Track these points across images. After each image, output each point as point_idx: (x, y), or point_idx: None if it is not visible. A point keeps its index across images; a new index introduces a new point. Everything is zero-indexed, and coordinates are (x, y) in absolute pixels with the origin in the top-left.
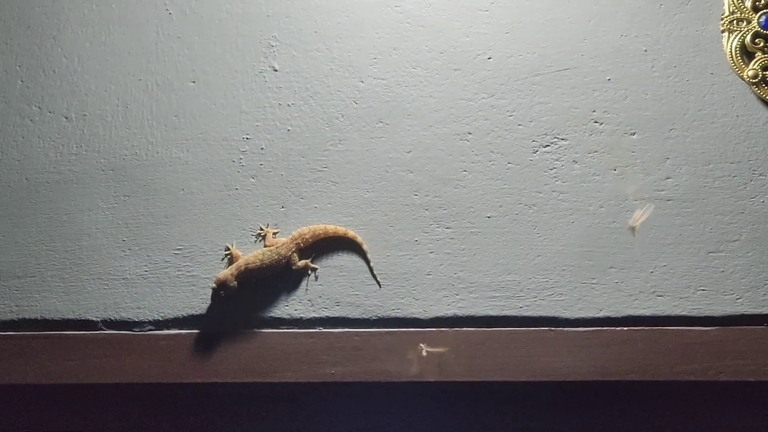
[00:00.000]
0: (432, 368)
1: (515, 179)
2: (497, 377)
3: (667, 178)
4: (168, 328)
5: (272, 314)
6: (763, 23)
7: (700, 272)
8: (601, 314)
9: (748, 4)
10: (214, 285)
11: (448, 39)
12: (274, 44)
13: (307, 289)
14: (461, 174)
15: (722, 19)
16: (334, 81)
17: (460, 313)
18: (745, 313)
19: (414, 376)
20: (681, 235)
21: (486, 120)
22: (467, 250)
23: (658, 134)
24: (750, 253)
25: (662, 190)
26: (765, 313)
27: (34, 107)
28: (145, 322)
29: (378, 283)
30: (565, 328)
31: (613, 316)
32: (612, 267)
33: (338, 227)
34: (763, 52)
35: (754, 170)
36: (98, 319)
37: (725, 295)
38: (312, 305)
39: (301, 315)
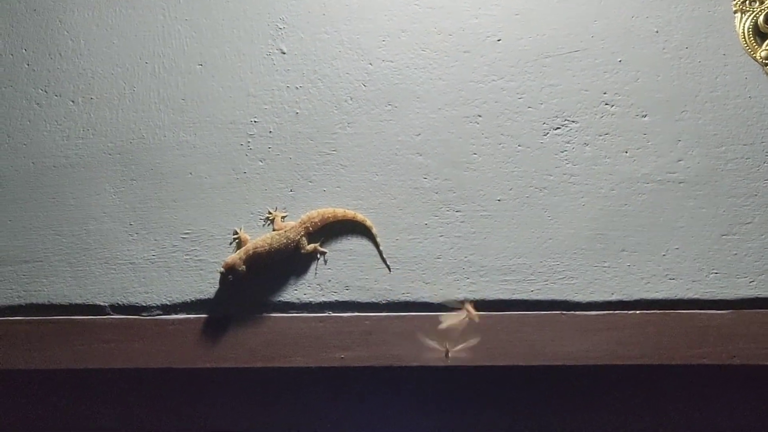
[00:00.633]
0: (438, 352)
1: (526, 162)
2: (508, 362)
3: (679, 161)
4: (176, 313)
5: (281, 298)
6: None
7: (712, 255)
8: (613, 298)
9: None
10: (222, 269)
11: (458, 21)
12: (281, 27)
13: (316, 273)
14: (471, 157)
15: (734, 0)
16: (342, 63)
17: (471, 296)
18: (759, 296)
19: (424, 361)
20: (693, 217)
21: (496, 102)
22: (477, 234)
23: (669, 116)
24: (764, 236)
25: (674, 173)
26: None
27: (40, 91)
28: (153, 307)
29: (388, 266)
30: (576, 312)
31: (625, 299)
32: (624, 250)
33: (347, 211)
34: None
35: (767, 152)
36: (106, 304)
37: (738, 278)
38: (321, 289)
39: (310, 299)
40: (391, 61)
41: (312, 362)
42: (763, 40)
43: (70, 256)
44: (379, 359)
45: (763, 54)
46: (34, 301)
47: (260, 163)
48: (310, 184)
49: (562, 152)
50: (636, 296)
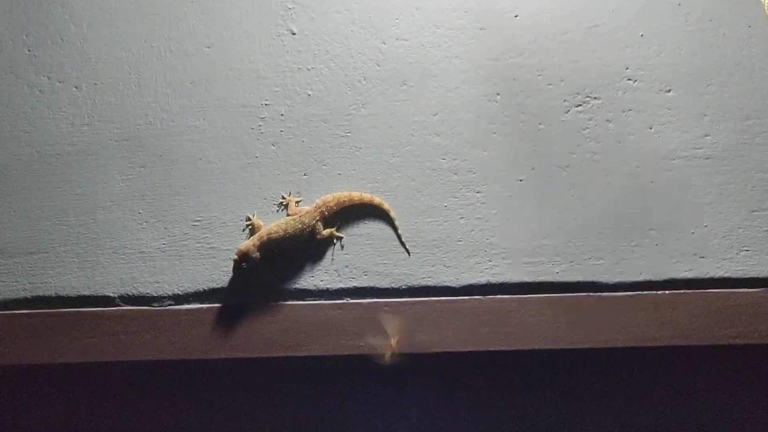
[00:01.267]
0: (465, 337)
1: (547, 140)
2: (533, 345)
3: (705, 136)
4: (188, 303)
5: (297, 286)
6: None
7: (742, 232)
8: (642, 278)
9: None
10: (235, 257)
11: None
12: (291, 6)
13: (333, 259)
14: (491, 136)
15: None
16: (355, 43)
17: (494, 280)
18: None
19: (448, 346)
20: (722, 194)
21: (514, 80)
22: (499, 215)
23: (694, 90)
24: None
25: (700, 148)
26: None
27: (42, 77)
28: (164, 297)
29: (407, 250)
30: (604, 293)
31: (654, 279)
32: (652, 229)
33: (364, 194)
34: None
35: None
36: (115, 295)
37: None
38: (338, 275)
39: (328, 286)
40: (405, 40)
41: (330, 350)
42: None
43: (77, 246)
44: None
45: None
46: (41, 294)
47: (272, 147)
48: (324, 167)
49: (585, 130)
50: (665, 276)
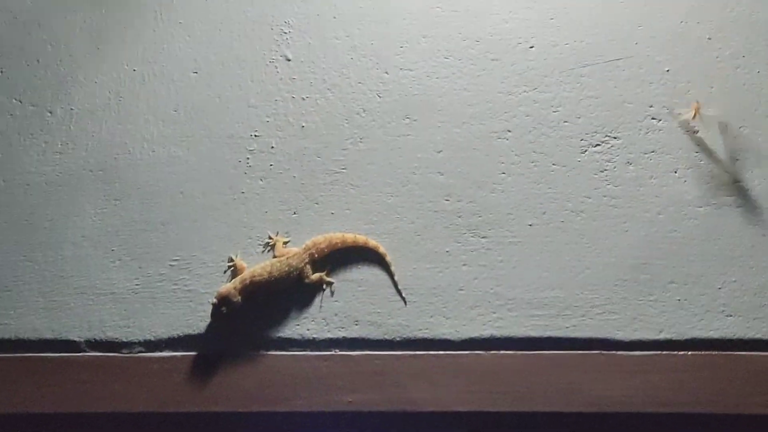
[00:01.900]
0: (464, 396)
1: (561, 182)
2: (541, 407)
3: (735, 182)
4: (161, 350)
5: (281, 334)
6: None
7: None
8: (661, 336)
9: None
10: (214, 300)
11: (486, 25)
12: (287, 30)
13: (321, 306)
14: (499, 176)
15: None
16: (355, 72)
17: (498, 333)
18: None
19: (444, 405)
20: (754, 246)
21: (527, 116)
22: (505, 263)
23: (724, 132)
24: None
25: (731, 195)
26: None
27: (14, 100)
28: (134, 343)
29: (403, 299)
30: (618, 352)
31: (675, 338)
32: (673, 282)
33: (358, 236)
34: None
35: None
36: (81, 339)
37: None
38: (327, 324)
39: (315, 335)
40: (410, 70)
41: (315, 406)
42: None
43: (42, 284)
44: (393, 403)
45: None
46: (0, 336)
47: (260, 182)
48: (316, 205)
49: (602, 172)
50: (687, 335)
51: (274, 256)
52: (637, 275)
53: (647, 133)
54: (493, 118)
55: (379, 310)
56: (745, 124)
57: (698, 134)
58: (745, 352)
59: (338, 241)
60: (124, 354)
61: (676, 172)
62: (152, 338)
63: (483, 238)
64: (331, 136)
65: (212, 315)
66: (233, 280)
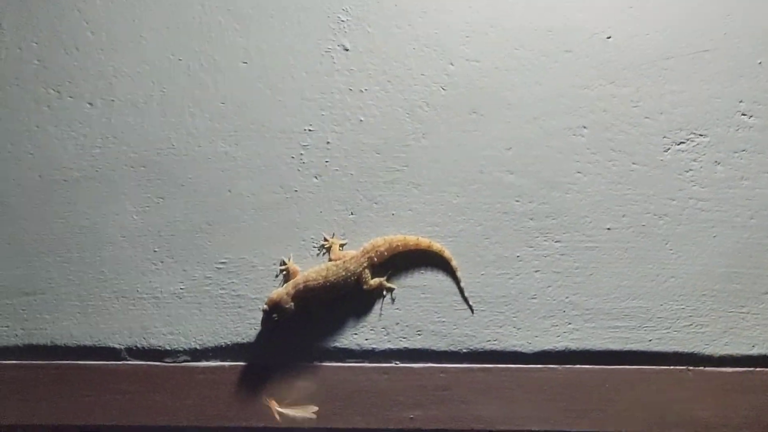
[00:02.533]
0: (536, 414)
1: (642, 183)
2: (620, 427)
3: None
4: (207, 359)
5: (337, 344)
6: None
7: None
8: (755, 351)
9: None
10: (265, 306)
11: (559, 14)
12: (344, 19)
13: (381, 314)
14: (575, 176)
15: None
16: (417, 63)
17: (573, 346)
18: None
19: (514, 424)
20: None
21: (605, 112)
22: (582, 270)
23: None
24: None
25: None
26: None
27: (51, 91)
28: (178, 351)
29: (470, 307)
30: (707, 368)
31: None
32: (767, 293)
33: (421, 239)
34: None
35: None
36: (122, 347)
37: None
38: (387, 334)
39: (374, 346)
40: (477, 62)
41: (374, 423)
42: None
43: (80, 287)
44: (458, 421)
45: None
46: (35, 342)
47: (315, 180)
48: (375, 206)
49: (688, 172)
50: None
51: (330, 260)
52: (727, 285)
53: (737, 130)
54: (567, 113)
55: (443, 319)
56: None
57: None
58: None
59: (399, 244)
60: (167, 363)
61: None
62: (198, 347)
63: (557, 242)
64: (391, 131)
65: (263, 322)
66: (285, 285)
